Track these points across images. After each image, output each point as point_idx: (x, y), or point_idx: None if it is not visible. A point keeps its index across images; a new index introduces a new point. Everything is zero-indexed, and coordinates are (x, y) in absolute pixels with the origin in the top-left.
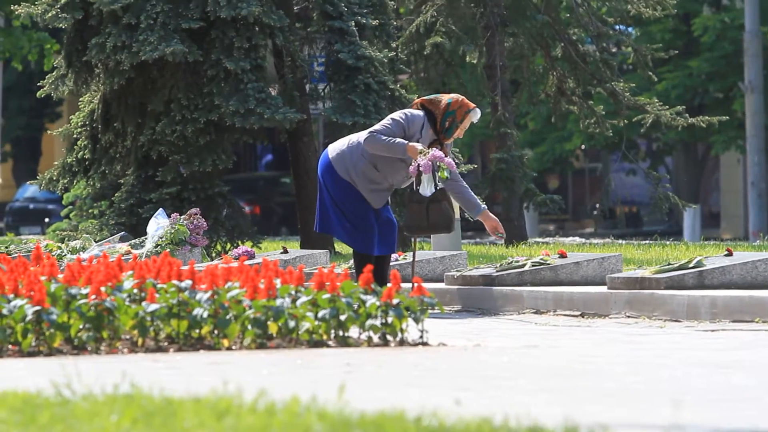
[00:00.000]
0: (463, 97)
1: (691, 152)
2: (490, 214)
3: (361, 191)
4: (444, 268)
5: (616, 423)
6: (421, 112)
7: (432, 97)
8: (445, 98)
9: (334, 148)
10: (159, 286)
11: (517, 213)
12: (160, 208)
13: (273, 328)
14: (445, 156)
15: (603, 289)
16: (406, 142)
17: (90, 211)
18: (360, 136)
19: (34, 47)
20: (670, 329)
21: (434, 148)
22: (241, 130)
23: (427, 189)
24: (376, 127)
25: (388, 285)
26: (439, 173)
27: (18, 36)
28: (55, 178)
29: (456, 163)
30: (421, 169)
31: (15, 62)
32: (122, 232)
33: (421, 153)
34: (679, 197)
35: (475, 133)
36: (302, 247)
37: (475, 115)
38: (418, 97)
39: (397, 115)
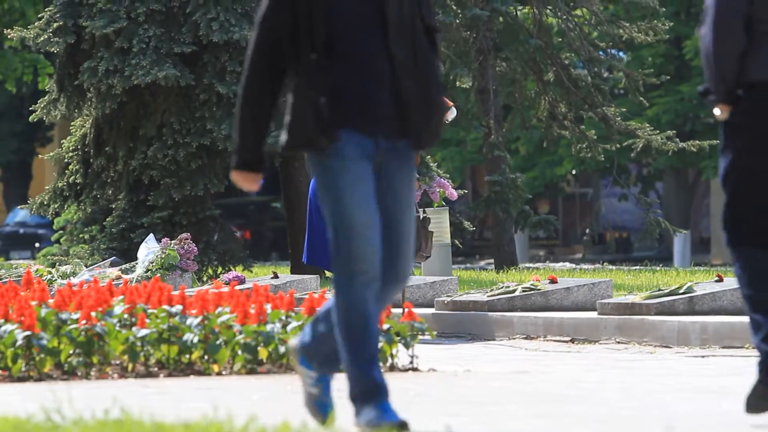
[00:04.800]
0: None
1: (681, 177)
2: None
3: None
4: (434, 293)
5: None
6: None
7: None
8: None
9: None
10: (149, 311)
11: (508, 238)
12: (151, 234)
13: (263, 353)
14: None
15: (593, 314)
16: None
17: (81, 235)
18: None
19: (27, 67)
20: (660, 355)
21: (437, 177)
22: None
23: (416, 213)
24: None
25: None
26: (436, 203)
27: (10, 58)
28: (46, 203)
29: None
30: (431, 196)
31: (9, 84)
32: (113, 257)
33: (418, 180)
34: (669, 222)
35: (466, 158)
36: (293, 272)
37: (452, 114)
38: None
39: None
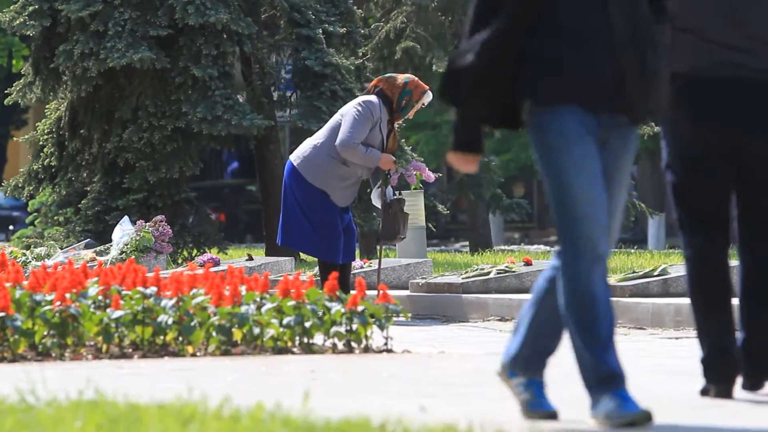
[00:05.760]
0: (417, 78)
1: (656, 160)
2: (387, 155)
3: (331, 192)
4: (409, 275)
5: (584, 430)
6: (374, 97)
7: (388, 76)
8: (402, 78)
9: (297, 155)
10: (124, 292)
11: (482, 221)
12: (125, 216)
13: (238, 335)
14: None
15: None
16: (380, 154)
17: (55, 218)
18: (319, 137)
19: (2, 50)
20: (634, 337)
21: (413, 160)
22: (208, 137)
23: (393, 196)
24: (349, 134)
25: (353, 292)
26: (413, 185)
27: None
28: (20, 185)
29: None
30: (407, 180)
31: None
32: (87, 239)
33: (394, 163)
34: (645, 205)
35: (441, 141)
36: (267, 254)
37: (428, 97)
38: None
39: (357, 111)
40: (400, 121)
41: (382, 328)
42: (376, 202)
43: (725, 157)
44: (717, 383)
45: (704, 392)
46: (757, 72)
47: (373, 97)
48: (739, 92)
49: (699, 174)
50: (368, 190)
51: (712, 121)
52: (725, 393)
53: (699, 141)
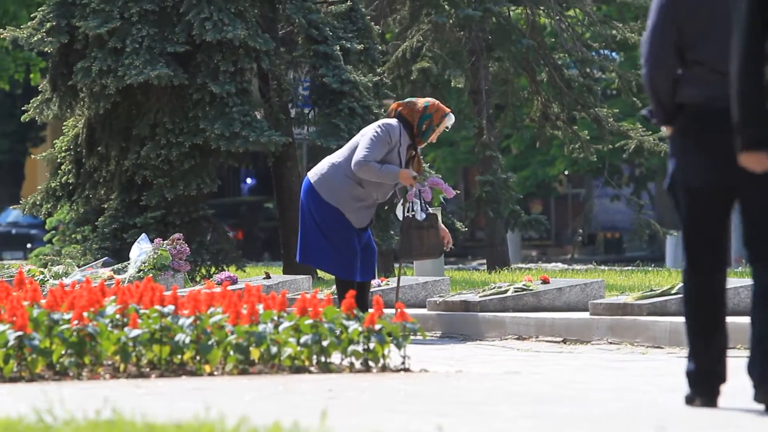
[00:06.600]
0: (438, 101)
1: None
2: (406, 170)
3: (346, 212)
4: (426, 293)
5: None
6: (394, 120)
7: (408, 100)
8: (421, 102)
9: (315, 173)
10: (141, 311)
11: (500, 238)
12: (143, 234)
13: (255, 353)
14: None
15: (585, 315)
16: (398, 168)
17: (73, 236)
18: (338, 156)
19: (20, 66)
20: (652, 355)
21: (430, 176)
22: (226, 154)
23: (420, 213)
24: (365, 154)
25: (371, 311)
26: (433, 200)
27: (2, 58)
28: (38, 203)
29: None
30: (423, 196)
31: (2, 83)
32: (105, 257)
33: (414, 178)
34: (661, 223)
35: (459, 158)
36: (285, 272)
37: (450, 120)
38: (395, 101)
39: (376, 133)
40: (423, 146)
41: (399, 346)
42: (401, 216)
43: (728, 189)
44: (703, 396)
45: (689, 400)
46: None
47: (393, 121)
48: None
49: (700, 204)
50: (385, 207)
51: (719, 151)
52: (711, 403)
53: (704, 172)
